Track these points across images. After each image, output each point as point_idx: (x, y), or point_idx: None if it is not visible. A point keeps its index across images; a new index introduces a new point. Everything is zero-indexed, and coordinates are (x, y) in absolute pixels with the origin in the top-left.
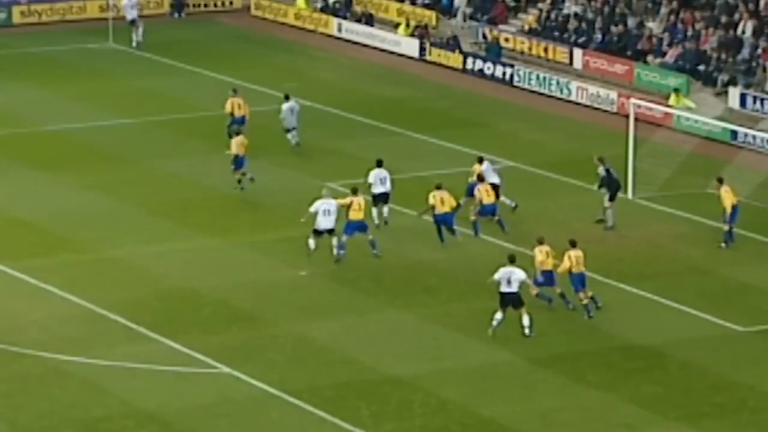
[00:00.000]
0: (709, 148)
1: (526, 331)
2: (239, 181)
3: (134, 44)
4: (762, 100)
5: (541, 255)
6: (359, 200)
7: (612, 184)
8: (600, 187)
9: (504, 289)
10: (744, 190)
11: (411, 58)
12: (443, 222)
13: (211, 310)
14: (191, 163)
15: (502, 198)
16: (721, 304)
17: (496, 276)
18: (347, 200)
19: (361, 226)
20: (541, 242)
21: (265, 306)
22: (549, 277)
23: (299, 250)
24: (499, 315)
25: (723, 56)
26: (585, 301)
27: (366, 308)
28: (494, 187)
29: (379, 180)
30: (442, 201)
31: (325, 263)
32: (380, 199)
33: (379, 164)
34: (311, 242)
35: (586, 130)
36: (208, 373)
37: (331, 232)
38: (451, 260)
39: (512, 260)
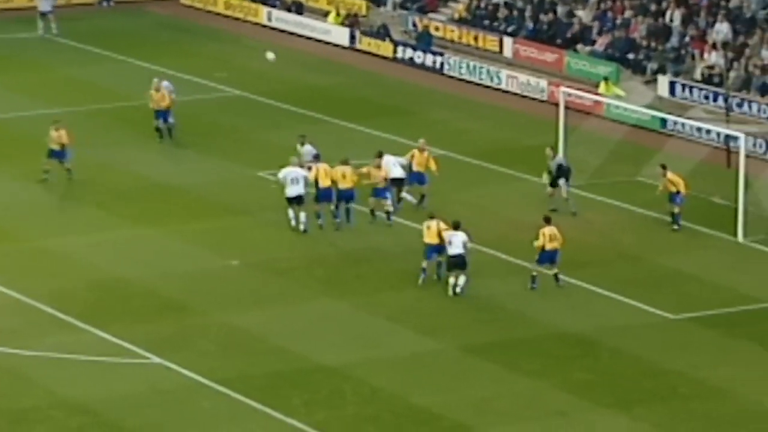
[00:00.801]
0: (639, 136)
1: (457, 289)
2: (46, 172)
3: (42, 32)
4: (691, 88)
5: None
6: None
7: (567, 171)
8: (557, 177)
9: (451, 251)
10: None
11: (341, 47)
12: (344, 198)
13: (141, 299)
14: (121, 152)
15: (404, 194)
16: (652, 291)
17: (446, 237)
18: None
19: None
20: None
21: (195, 295)
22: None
23: (230, 240)
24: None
25: (652, 44)
26: (534, 274)
27: (298, 297)
28: (397, 181)
29: (393, 164)
30: (343, 176)
31: (256, 252)
32: (396, 184)
33: (456, 226)
34: (290, 212)
35: (516, 119)
36: (138, 363)
37: (298, 200)
38: (383, 249)
39: (456, 226)
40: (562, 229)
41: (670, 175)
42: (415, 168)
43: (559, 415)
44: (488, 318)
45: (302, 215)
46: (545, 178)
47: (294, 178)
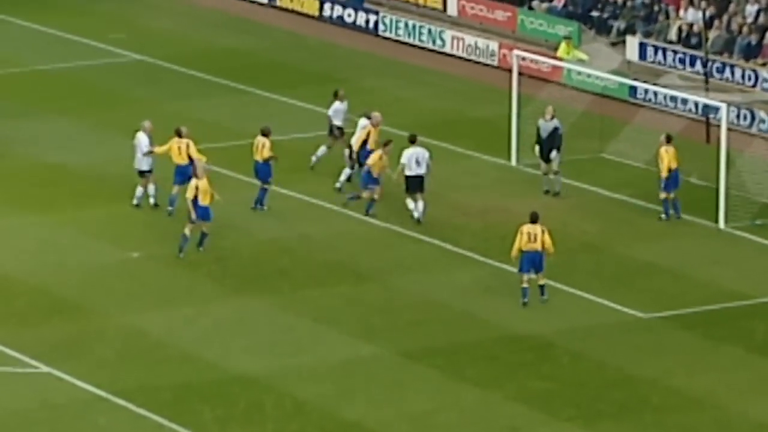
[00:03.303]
0: (605, 106)
1: (415, 214)
2: None
3: None
4: (664, 50)
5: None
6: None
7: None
8: (550, 148)
9: (412, 171)
10: (644, 154)
11: (258, 3)
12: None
13: (27, 299)
14: (2, 127)
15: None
16: (619, 286)
17: (403, 160)
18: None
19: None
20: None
21: (91, 294)
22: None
23: (130, 229)
24: (411, 204)
25: (619, 0)
26: (524, 285)
27: (209, 296)
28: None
29: (414, 161)
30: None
31: (160, 242)
32: (414, 185)
33: (413, 140)
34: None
35: (462, 87)
36: (25, 373)
37: (143, 174)
38: (308, 238)
39: (413, 140)
40: (514, 216)
41: (663, 148)
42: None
43: (511, 431)
44: (430, 318)
45: (151, 187)
46: (537, 150)
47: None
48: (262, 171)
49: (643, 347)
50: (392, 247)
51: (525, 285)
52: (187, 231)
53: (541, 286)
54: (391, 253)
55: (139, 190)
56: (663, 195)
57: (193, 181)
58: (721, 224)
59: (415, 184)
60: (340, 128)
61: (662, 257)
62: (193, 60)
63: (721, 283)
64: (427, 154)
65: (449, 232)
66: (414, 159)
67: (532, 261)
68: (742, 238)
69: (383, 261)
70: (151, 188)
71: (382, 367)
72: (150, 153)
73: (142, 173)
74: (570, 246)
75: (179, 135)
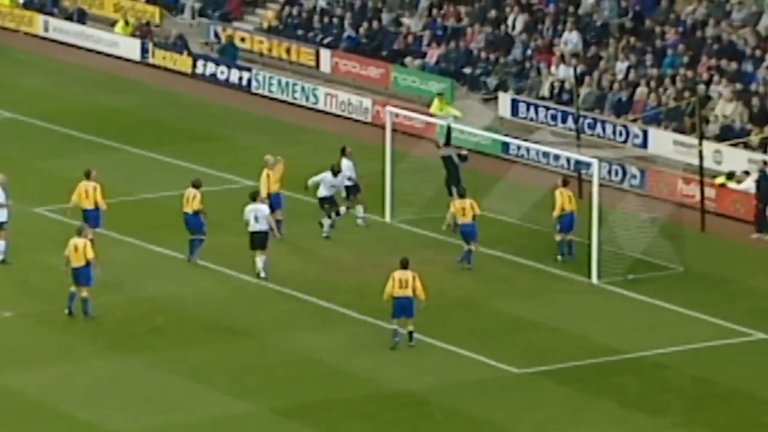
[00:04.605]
0: (478, 162)
1: (262, 273)
2: None
3: None
4: (536, 106)
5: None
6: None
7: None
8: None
9: (253, 228)
10: (517, 210)
11: (131, 60)
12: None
13: None
14: None
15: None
16: (493, 342)
17: (245, 216)
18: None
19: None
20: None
21: None
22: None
23: (2, 287)
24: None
25: (491, 57)
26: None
27: (82, 354)
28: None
29: (254, 217)
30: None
31: (33, 302)
32: (257, 242)
33: (254, 198)
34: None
35: (336, 143)
36: None
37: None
38: (181, 296)
39: (253, 197)
40: (387, 271)
41: (558, 190)
42: (272, 189)
43: None
44: (305, 376)
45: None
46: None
47: None
48: (193, 222)
49: (517, 402)
50: (266, 303)
51: (395, 327)
52: (72, 289)
53: (410, 333)
54: (265, 310)
55: (1, 244)
56: (558, 237)
57: (72, 240)
58: (594, 279)
59: (256, 241)
60: (354, 185)
61: (536, 313)
62: (64, 117)
63: (595, 338)
64: (267, 211)
65: (324, 288)
66: (253, 215)
67: (403, 307)
68: (615, 293)
69: (257, 318)
70: (1, 244)
71: (257, 424)
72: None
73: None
74: (444, 302)
75: (87, 177)
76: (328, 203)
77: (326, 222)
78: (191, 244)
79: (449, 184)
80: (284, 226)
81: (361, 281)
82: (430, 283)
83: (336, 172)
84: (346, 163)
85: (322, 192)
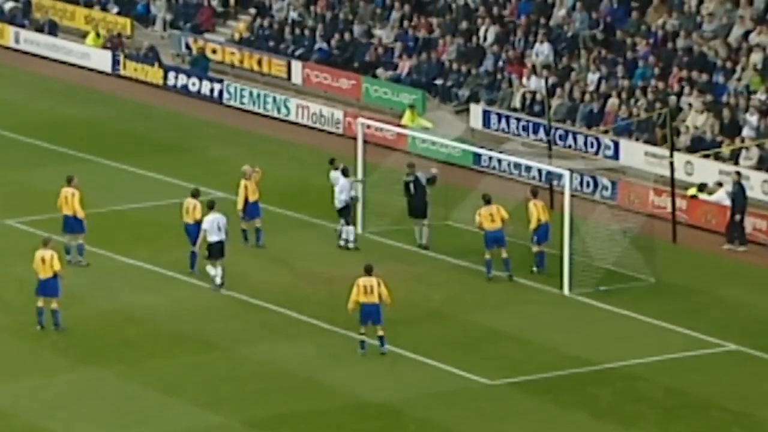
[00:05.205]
0: (449, 173)
1: (217, 280)
2: None
3: None
4: (507, 118)
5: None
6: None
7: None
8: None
9: (215, 237)
10: None
11: (102, 72)
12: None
13: None
14: None
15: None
16: (465, 353)
17: (205, 226)
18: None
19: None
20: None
21: None
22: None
23: None
24: (212, 270)
25: (463, 68)
26: (362, 334)
27: (53, 367)
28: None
29: (216, 226)
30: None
31: (4, 314)
32: (216, 251)
33: (211, 206)
34: None
35: (307, 155)
36: None
37: None
38: (153, 308)
39: (211, 206)
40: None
41: (531, 202)
42: (251, 198)
43: None
44: (277, 387)
45: None
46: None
47: None
48: (194, 233)
49: (489, 414)
50: (237, 315)
51: (362, 334)
52: (39, 304)
53: (380, 338)
54: (236, 322)
55: None
56: (535, 248)
57: (38, 252)
58: (566, 291)
59: (217, 251)
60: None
61: (508, 324)
62: (35, 129)
63: (566, 350)
64: (224, 220)
65: (294, 300)
66: (215, 225)
67: (370, 313)
68: (586, 304)
69: (229, 330)
70: None
71: None
72: None
73: None
74: (416, 314)
75: (69, 183)
76: (346, 210)
77: (347, 229)
78: (192, 256)
79: (415, 214)
80: (263, 237)
81: (332, 293)
82: (402, 295)
83: (344, 171)
84: (335, 176)
85: (341, 199)
